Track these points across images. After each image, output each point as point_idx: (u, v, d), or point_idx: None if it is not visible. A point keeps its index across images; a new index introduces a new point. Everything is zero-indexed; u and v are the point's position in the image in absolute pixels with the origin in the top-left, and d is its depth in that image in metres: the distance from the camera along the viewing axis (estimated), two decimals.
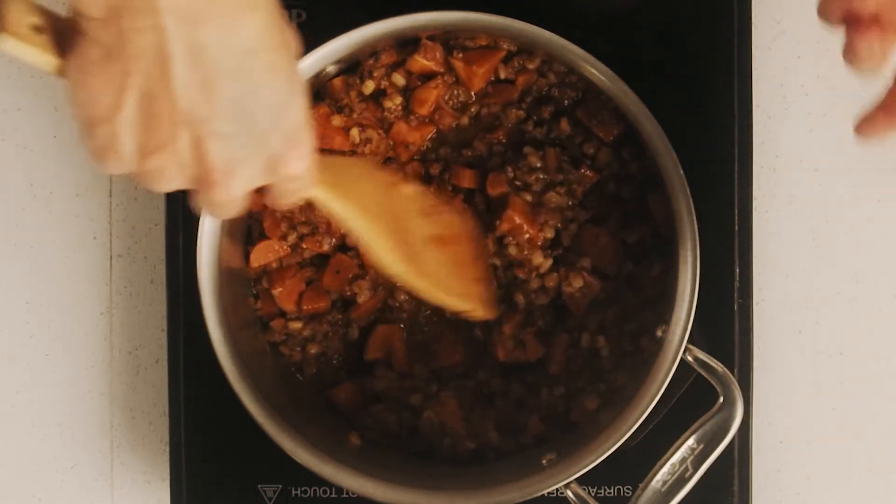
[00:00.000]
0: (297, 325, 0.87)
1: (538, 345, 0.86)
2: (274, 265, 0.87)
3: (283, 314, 0.88)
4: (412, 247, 0.82)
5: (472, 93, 0.87)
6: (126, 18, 0.59)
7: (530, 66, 0.86)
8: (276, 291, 0.87)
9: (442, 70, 0.86)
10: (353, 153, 0.86)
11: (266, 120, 0.64)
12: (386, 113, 0.86)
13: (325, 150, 0.85)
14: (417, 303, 0.88)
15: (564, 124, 0.86)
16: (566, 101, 0.86)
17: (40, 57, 0.63)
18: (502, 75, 0.86)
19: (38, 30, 0.62)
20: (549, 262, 0.86)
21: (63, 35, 0.62)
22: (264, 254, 0.87)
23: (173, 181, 0.64)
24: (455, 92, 0.87)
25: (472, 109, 0.87)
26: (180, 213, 0.88)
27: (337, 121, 0.86)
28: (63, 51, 0.62)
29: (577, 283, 0.85)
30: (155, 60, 0.60)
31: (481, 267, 0.86)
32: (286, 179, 0.67)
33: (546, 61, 0.86)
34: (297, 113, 0.66)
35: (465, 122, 0.87)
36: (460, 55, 0.86)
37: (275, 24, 0.63)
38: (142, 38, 0.59)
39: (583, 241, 0.86)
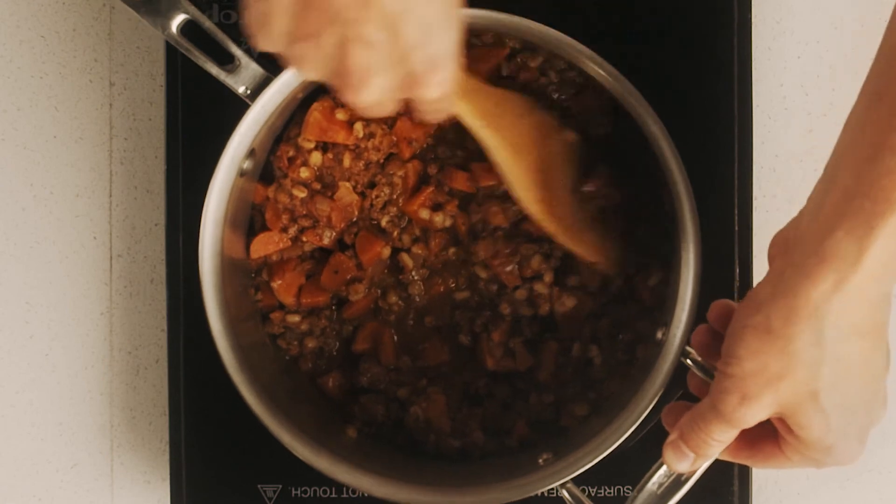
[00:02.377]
0: (295, 318, 0.87)
1: (528, 354, 0.86)
2: (274, 257, 0.87)
3: (282, 307, 0.88)
4: (553, 192, 0.83)
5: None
6: None
7: (532, 65, 0.86)
8: (276, 284, 0.87)
9: None
10: (356, 148, 0.86)
11: (414, 38, 0.65)
12: None
13: (335, 142, 0.86)
14: (407, 306, 0.88)
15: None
16: (562, 98, 0.86)
17: None
18: (504, 72, 0.86)
19: None
20: (550, 275, 0.86)
21: None
22: (264, 245, 0.87)
23: (313, 71, 0.66)
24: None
25: None
26: (180, 213, 0.88)
27: (341, 115, 0.86)
28: None
29: (570, 302, 0.86)
30: None
31: (620, 224, 0.86)
32: (421, 101, 0.68)
33: (548, 59, 0.86)
34: (446, 38, 0.67)
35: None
36: (464, 52, 0.86)
37: None
38: None
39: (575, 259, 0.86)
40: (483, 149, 0.81)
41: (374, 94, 0.67)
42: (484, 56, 0.86)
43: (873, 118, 0.67)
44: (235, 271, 0.85)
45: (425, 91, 0.67)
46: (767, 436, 0.74)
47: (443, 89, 0.68)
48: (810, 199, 0.70)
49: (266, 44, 0.66)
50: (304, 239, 0.87)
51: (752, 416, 0.70)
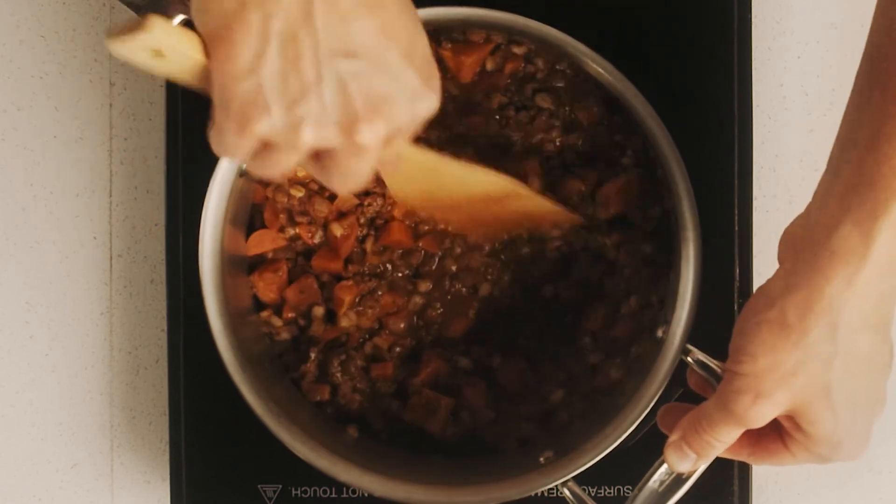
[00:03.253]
0: (277, 322, 0.87)
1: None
2: (269, 255, 0.87)
3: (272, 308, 0.88)
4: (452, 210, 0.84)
5: (461, 83, 0.87)
6: None
7: (517, 52, 0.86)
8: (255, 278, 0.87)
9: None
10: None
11: (400, 53, 0.64)
12: None
13: None
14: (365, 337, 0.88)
15: (544, 99, 0.86)
16: (545, 78, 0.86)
17: (182, 38, 0.62)
18: (489, 67, 0.86)
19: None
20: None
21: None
22: (260, 242, 0.87)
23: (318, 129, 0.63)
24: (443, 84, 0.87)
25: (457, 95, 0.87)
26: (180, 213, 0.88)
27: None
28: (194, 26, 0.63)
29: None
30: (295, 0, 0.60)
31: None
32: (417, 120, 0.66)
33: (535, 50, 0.85)
34: (424, 46, 0.66)
35: (451, 110, 0.87)
36: (448, 45, 0.86)
37: None
38: None
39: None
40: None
41: (387, 125, 0.64)
42: (468, 49, 0.86)
43: (867, 109, 0.67)
44: (236, 271, 0.85)
45: (426, 102, 0.66)
46: (770, 432, 0.74)
47: (438, 95, 0.67)
48: (816, 193, 0.70)
49: (266, 123, 0.62)
50: (297, 232, 0.87)
51: (765, 414, 0.70)
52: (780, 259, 0.72)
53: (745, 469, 0.88)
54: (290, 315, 0.87)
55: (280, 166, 0.65)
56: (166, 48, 0.62)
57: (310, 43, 0.61)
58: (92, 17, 0.94)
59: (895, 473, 0.93)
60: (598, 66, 0.80)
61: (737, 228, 0.87)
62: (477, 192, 0.82)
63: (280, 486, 0.89)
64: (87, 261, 0.94)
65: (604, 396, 0.85)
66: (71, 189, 0.94)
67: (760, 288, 0.71)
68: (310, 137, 0.63)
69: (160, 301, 0.92)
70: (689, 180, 0.80)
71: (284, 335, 0.87)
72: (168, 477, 0.90)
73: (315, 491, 0.89)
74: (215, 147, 0.65)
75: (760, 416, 0.70)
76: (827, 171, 0.70)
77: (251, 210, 0.87)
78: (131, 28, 0.61)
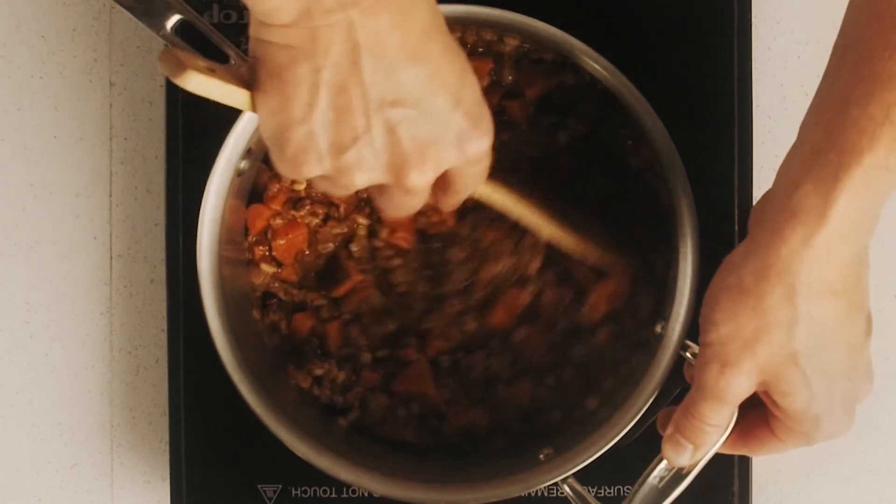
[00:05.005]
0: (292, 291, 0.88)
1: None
2: (279, 221, 0.87)
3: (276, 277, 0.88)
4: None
5: None
6: (317, 17, 0.61)
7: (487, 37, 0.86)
8: (276, 244, 0.87)
9: None
10: None
11: (447, 99, 0.66)
12: None
13: None
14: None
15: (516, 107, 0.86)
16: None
17: (225, 87, 0.65)
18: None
19: (211, 70, 0.65)
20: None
21: (234, 70, 0.66)
22: (258, 216, 0.87)
23: (368, 173, 0.66)
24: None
25: None
26: (180, 213, 0.88)
27: None
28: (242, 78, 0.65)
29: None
30: (344, 52, 0.62)
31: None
32: (471, 162, 0.69)
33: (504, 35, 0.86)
34: (473, 89, 0.68)
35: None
36: None
37: (438, 9, 0.66)
38: (332, 32, 0.62)
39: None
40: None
41: (435, 167, 0.67)
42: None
43: (839, 75, 0.67)
44: (235, 270, 0.85)
45: (475, 144, 0.68)
46: (759, 421, 0.74)
47: (489, 138, 0.69)
48: (783, 161, 0.70)
49: (317, 167, 0.65)
50: (301, 211, 0.87)
51: (736, 385, 0.70)
52: (748, 231, 0.71)
53: (745, 469, 0.88)
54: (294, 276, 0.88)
55: (337, 195, 0.72)
56: (205, 94, 0.65)
57: (358, 93, 0.63)
58: (92, 17, 0.94)
59: (895, 473, 0.93)
60: (597, 65, 0.80)
61: (737, 228, 0.88)
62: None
63: (280, 486, 0.89)
64: (87, 261, 0.94)
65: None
66: (71, 189, 0.94)
67: (726, 257, 0.71)
68: (360, 181, 0.66)
69: (160, 301, 0.92)
70: (688, 180, 0.80)
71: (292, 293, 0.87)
72: (168, 477, 0.90)
73: (315, 491, 0.89)
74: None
75: (732, 386, 0.70)
76: (797, 139, 0.70)
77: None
78: (173, 69, 0.63)
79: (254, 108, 0.65)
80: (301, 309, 0.88)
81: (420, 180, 0.67)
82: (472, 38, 0.85)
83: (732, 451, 0.76)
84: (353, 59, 0.62)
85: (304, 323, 0.88)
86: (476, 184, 0.73)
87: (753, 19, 0.89)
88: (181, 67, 0.63)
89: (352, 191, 0.67)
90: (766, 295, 0.67)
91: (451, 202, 0.73)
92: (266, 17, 0.62)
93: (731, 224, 0.87)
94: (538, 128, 0.87)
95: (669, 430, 0.74)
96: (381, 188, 0.69)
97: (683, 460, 0.74)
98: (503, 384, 0.87)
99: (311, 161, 0.65)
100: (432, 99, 0.65)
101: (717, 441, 0.74)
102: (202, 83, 0.64)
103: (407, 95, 0.64)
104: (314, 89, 0.63)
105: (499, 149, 0.84)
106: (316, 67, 0.63)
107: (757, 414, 0.73)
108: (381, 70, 0.63)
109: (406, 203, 0.70)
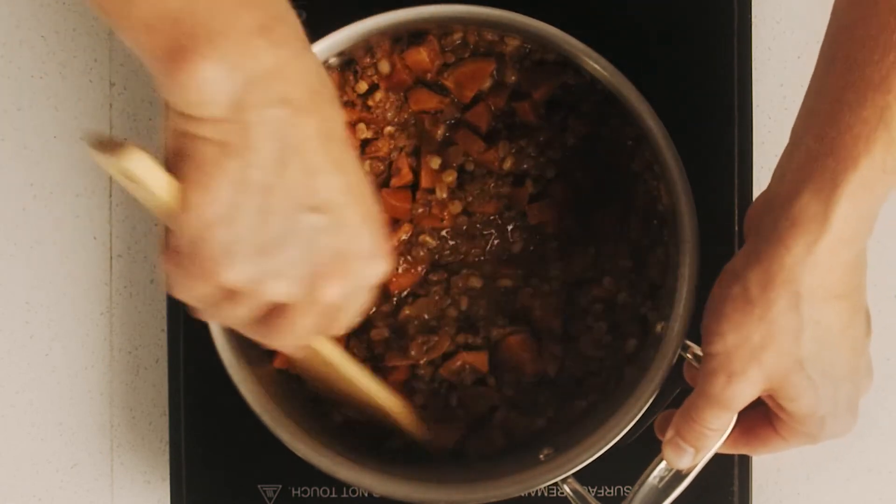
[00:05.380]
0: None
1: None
2: None
3: None
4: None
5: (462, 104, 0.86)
6: (249, 110, 0.59)
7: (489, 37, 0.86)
8: None
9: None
10: (366, 141, 0.86)
11: (360, 212, 0.65)
12: (374, 109, 0.86)
13: None
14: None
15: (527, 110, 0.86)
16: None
17: (157, 175, 0.61)
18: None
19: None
20: None
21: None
22: None
23: (285, 282, 0.63)
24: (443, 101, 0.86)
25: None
26: None
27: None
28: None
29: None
30: (274, 150, 0.60)
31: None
32: (369, 284, 0.67)
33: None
34: (376, 209, 0.67)
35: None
36: (450, 77, 0.85)
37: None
38: (264, 129, 0.60)
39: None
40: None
41: (363, 275, 0.66)
42: (470, 77, 0.85)
43: (829, 79, 0.67)
44: None
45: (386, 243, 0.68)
46: (762, 420, 0.74)
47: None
48: (777, 166, 0.70)
49: (241, 270, 0.61)
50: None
51: (742, 394, 0.70)
52: (745, 236, 0.71)
53: (745, 468, 0.88)
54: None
55: (230, 317, 0.64)
56: (138, 178, 0.61)
57: (283, 195, 0.61)
58: (92, 17, 0.94)
59: (895, 474, 0.93)
60: (597, 65, 0.80)
61: (737, 228, 0.88)
62: (362, 394, 0.83)
63: (280, 486, 0.89)
64: (87, 261, 0.94)
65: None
66: (71, 189, 0.94)
67: (726, 266, 0.71)
68: (274, 291, 0.63)
69: (160, 301, 0.92)
70: (688, 180, 0.80)
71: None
72: (168, 477, 0.90)
73: (315, 491, 0.89)
74: (171, 286, 0.63)
75: (738, 395, 0.70)
76: (789, 143, 0.69)
77: None
78: (111, 147, 0.60)
79: (178, 203, 0.61)
80: None
81: (332, 293, 0.64)
82: (473, 39, 0.85)
83: (734, 450, 0.76)
84: (283, 160, 0.60)
85: None
86: (360, 312, 0.69)
87: (753, 19, 0.89)
88: (120, 144, 0.60)
89: (259, 305, 0.64)
90: (772, 304, 0.67)
91: (337, 328, 0.69)
92: (194, 109, 0.59)
93: (732, 224, 0.88)
94: (552, 129, 0.86)
95: (670, 433, 0.74)
96: (279, 310, 0.65)
97: (684, 463, 0.74)
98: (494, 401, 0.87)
99: (228, 265, 0.61)
100: (347, 209, 0.63)
101: (718, 443, 0.74)
102: (143, 164, 0.60)
103: (326, 202, 0.62)
104: (242, 186, 0.60)
105: (521, 154, 0.84)
106: (245, 164, 0.60)
107: (758, 413, 0.73)
108: (306, 173, 0.61)
109: (300, 325, 0.65)
